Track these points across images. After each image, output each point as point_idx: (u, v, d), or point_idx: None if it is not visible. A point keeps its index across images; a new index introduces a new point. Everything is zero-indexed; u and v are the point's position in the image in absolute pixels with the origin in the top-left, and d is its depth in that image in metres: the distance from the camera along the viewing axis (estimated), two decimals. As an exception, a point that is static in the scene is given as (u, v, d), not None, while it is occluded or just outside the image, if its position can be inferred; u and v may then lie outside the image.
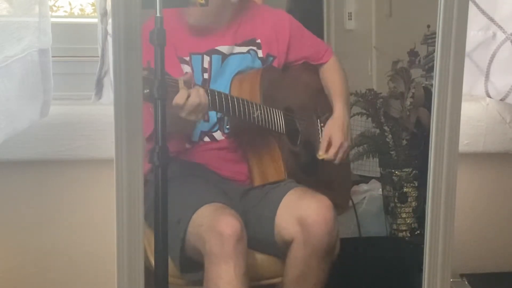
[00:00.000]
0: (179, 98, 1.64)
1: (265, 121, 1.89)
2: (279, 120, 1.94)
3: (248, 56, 1.98)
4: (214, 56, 1.94)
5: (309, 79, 2.13)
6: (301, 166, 2.02)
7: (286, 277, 1.83)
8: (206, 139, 1.94)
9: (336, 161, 2.00)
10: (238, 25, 1.98)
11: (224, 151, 1.95)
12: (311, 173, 2.05)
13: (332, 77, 2.11)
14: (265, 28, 2.01)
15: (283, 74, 2.04)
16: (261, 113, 1.87)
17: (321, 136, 2.06)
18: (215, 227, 1.69)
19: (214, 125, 1.94)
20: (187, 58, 1.92)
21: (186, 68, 1.92)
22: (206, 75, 1.93)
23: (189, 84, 1.68)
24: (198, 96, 1.67)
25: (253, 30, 2.00)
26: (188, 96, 1.65)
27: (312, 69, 2.13)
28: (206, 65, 1.94)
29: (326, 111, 2.08)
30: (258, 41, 2.00)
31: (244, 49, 1.98)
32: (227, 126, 1.94)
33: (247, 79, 1.94)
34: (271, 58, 2.01)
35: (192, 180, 1.88)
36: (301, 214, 1.78)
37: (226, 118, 1.93)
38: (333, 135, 2.00)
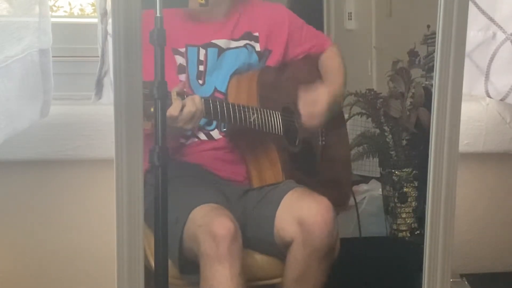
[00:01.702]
0: (173, 110, 1.64)
1: (262, 124, 1.88)
2: (276, 122, 1.93)
3: (245, 50, 1.98)
4: (210, 49, 1.94)
5: (307, 77, 2.12)
6: (301, 166, 2.01)
7: (285, 277, 1.83)
8: (203, 137, 1.94)
9: (314, 119, 1.98)
10: (236, 20, 1.98)
11: (222, 152, 1.94)
12: (311, 173, 2.05)
13: (329, 65, 2.12)
14: (263, 22, 2.01)
15: (281, 74, 2.04)
16: (257, 117, 1.87)
17: (320, 135, 2.06)
18: (209, 228, 1.69)
19: (210, 121, 1.93)
20: (183, 50, 1.92)
21: (180, 60, 1.92)
22: (201, 67, 1.93)
23: (182, 95, 1.67)
24: (193, 105, 1.67)
25: (251, 24, 2.00)
26: (183, 106, 1.65)
27: (310, 66, 2.12)
28: (202, 57, 1.94)
29: None
30: (256, 34, 2.00)
31: (241, 43, 1.98)
32: (224, 129, 1.94)
33: (244, 81, 1.94)
34: (268, 53, 2.01)
35: (189, 180, 1.88)
36: (301, 214, 1.78)
37: None
38: (318, 90, 1.99)
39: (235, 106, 1.81)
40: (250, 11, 2.01)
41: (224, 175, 1.95)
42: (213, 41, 1.95)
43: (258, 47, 1.99)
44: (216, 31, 1.95)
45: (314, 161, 2.03)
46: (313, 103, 1.97)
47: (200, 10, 1.93)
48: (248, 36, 1.99)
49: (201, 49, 1.94)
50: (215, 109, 1.75)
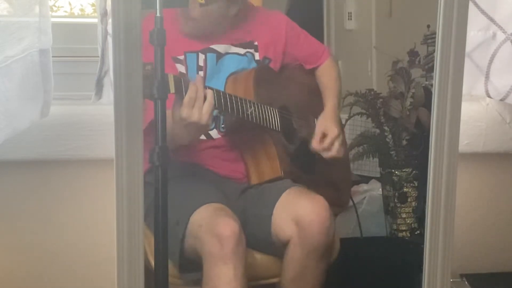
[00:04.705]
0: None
1: (260, 119, 1.88)
2: (274, 118, 1.93)
3: (245, 58, 1.98)
4: (209, 55, 1.94)
5: (305, 78, 2.13)
6: (299, 164, 2.01)
7: (283, 277, 1.83)
8: (202, 137, 1.94)
9: (332, 153, 1.99)
10: (235, 29, 1.98)
11: (220, 150, 1.95)
12: (309, 172, 2.05)
13: (327, 77, 2.12)
14: (262, 30, 2.02)
15: (278, 73, 2.04)
16: (255, 110, 1.86)
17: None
18: (213, 228, 1.69)
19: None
20: (182, 57, 1.92)
21: (181, 68, 1.92)
22: (201, 73, 1.93)
23: (179, 80, 1.66)
24: (195, 89, 1.65)
25: (251, 33, 2.00)
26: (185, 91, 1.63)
27: (308, 70, 2.13)
28: (201, 63, 1.94)
29: (323, 110, 2.08)
30: (256, 43, 2.00)
31: (242, 51, 1.98)
32: (222, 125, 1.94)
33: (241, 78, 1.94)
34: (267, 61, 2.02)
35: (189, 180, 1.88)
36: (297, 214, 1.78)
37: (221, 117, 1.92)
38: (328, 127, 2.00)
39: (232, 97, 1.80)
40: (248, 21, 2.01)
41: (223, 173, 1.95)
42: (212, 46, 1.95)
43: (257, 56, 2.00)
44: (214, 40, 1.95)
45: (312, 159, 2.03)
46: (337, 138, 2.00)
47: (197, 29, 1.91)
48: (249, 45, 1.99)
49: (200, 54, 1.94)
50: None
